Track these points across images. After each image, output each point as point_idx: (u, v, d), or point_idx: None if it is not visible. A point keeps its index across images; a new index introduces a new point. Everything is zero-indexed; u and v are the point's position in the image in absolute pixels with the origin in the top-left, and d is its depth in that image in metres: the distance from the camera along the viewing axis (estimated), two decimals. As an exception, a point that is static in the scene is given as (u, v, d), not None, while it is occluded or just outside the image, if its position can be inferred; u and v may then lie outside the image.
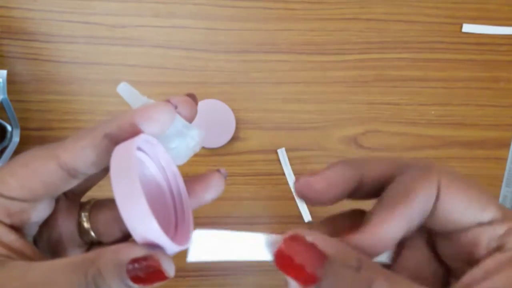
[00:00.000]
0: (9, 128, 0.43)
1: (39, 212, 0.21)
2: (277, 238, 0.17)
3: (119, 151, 0.18)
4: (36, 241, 0.22)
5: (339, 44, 0.48)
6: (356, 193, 0.20)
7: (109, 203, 0.24)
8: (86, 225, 0.23)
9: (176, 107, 0.20)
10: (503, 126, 0.52)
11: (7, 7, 0.44)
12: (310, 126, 0.49)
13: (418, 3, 0.49)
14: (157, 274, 0.17)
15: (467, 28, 0.49)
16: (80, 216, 0.23)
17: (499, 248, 0.18)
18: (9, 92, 0.42)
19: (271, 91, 0.48)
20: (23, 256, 0.19)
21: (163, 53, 0.47)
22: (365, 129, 0.50)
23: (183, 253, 0.18)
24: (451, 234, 0.19)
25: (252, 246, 0.18)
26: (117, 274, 0.16)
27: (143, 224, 0.16)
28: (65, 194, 0.23)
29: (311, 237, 0.17)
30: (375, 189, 0.20)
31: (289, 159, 0.49)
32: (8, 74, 0.42)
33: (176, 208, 0.21)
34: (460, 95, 0.51)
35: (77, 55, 0.46)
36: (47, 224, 0.22)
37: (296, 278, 0.16)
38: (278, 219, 0.50)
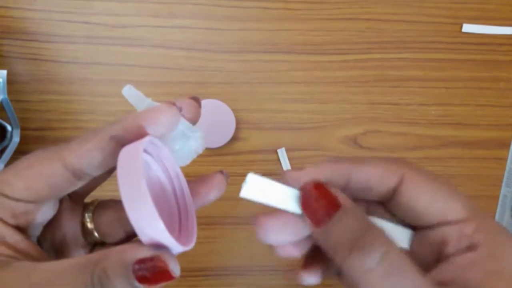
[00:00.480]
0: (9, 128, 0.43)
1: (44, 213, 0.21)
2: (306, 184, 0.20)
3: (126, 153, 0.18)
4: (39, 241, 0.22)
5: (339, 44, 0.48)
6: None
7: (113, 204, 0.24)
8: (89, 225, 0.23)
9: (180, 110, 0.21)
10: (503, 126, 0.52)
11: (7, 7, 0.44)
12: (310, 126, 0.49)
13: (418, 3, 0.49)
14: (164, 274, 0.17)
15: (467, 28, 0.49)
16: (84, 216, 0.23)
17: (470, 248, 0.18)
18: (9, 92, 0.42)
19: (271, 91, 0.48)
20: (28, 256, 0.20)
21: (163, 53, 0.47)
22: (365, 129, 0.50)
23: (183, 254, 0.18)
24: (421, 231, 0.20)
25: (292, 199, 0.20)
26: (123, 274, 0.16)
27: (150, 226, 0.16)
28: (69, 195, 0.23)
29: (331, 188, 0.19)
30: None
31: (289, 159, 0.49)
32: (8, 74, 0.42)
33: (179, 208, 0.22)
34: (460, 95, 0.51)
35: (77, 55, 0.46)
36: (51, 224, 0.22)
37: (312, 217, 0.19)
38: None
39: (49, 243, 0.23)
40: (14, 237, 0.20)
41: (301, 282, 0.21)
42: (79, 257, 0.18)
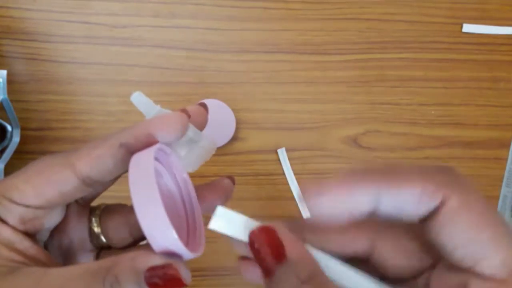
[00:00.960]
0: (9, 128, 0.43)
1: (52, 218, 0.21)
2: (255, 225, 0.18)
3: (137, 161, 0.18)
4: (46, 246, 0.22)
5: (339, 44, 0.48)
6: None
7: (119, 209, 0.24)
8: (96, 230, 0.23)
9: (189, 117, 0.21)
10: (503, 126, 0.52)
11: (6, 7, 0.44)
12: (310, 126, 0.49)
13: (418, 3, 0.49)
14: (176, 281, 0.17)
15: (467, 28, 0.49)
16: (91, 221, 0.23)
17: None
18: (9, 92, 0.42)
19: (271, 91, 0.48)
20: (37, 262, 0.20)
21: (163, 53, 0.47)
22: (365, 129, 0.50)
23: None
24: (441, 264, 0.17)
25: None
26: (135, 281, 0.16)
27: (163, 235, 0.17)
28: (76, 199, 0.23)
29: (282, 234, 0.17)
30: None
31: (289, 159, 0.49)
32: (8, 74, 0.42)
33: (187, 214, 0.22)
34: (460, 95, 0.51)
35: (76, 55, 0.46)
36: (58, 229, 0.22)
37: (259, 265, 0.17)
38: (278, 219, 0.50)
39: (56, 248, 0.23)
40: (24, 243, 0.20)
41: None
42: (90, 263, 0.18)
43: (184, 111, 0.21)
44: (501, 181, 0.53)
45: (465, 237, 0.15)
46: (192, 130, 0.21)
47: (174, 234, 0.17)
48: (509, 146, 0.52)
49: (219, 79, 0.47)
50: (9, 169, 0.42)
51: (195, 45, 0.47)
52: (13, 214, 0.19)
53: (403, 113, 0.50)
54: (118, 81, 0.46)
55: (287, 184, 0.49)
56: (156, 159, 0.21)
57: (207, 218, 0.21)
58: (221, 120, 0.47)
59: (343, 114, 0.50)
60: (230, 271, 0.51)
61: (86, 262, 0.23)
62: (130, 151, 0.19)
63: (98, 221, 0.23)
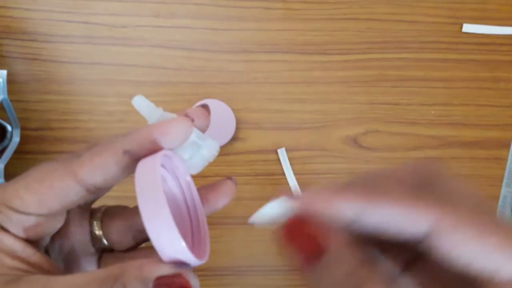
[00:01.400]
0: (9, 128, 0.43)
1: (53, 224, 0.21)
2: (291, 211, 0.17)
3: (144, 170, 0.18)
4: (47, 250, 0.22)
5: (339, 44, 0.48)
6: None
7: (121, 211, 0.24)
8: (98, 233, 0.23)
9: (193, 121, 0.21)
10: (503, 126, 0.52)
11: (7, 7, 0.44)
12: (310, 126, 0.49)
13: (418, 3, 0.49)
14: None
15: (467, 28, 0.49)
16: (92, 224, 0.23)
17: None
18: (9, 92, 0.42)
19: (271, 91, 0.48)
20: (41, 270, 0.19)
21: (163, 53, 0.47)
22: (365, 129, 0.50)
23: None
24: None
25: None
26: None
27: (172, 246, 0.17)
28: None
29: (315, 226, 0.16)
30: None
31: (289, 159, 0.49)
32: (8, 74, 0.42)
33: (191, 217, 0.22)
34: (460, 95, 0.51)
35: (76, 55, 0.46)
36: (59, 233, 0.22)
37: (302, 250, 0.16)
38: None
39: (57, 252, 0.23)
40: (26, 251, 0.19)
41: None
42: (96, 271, 0.18)
43: (187, 115, 0.21)
44: (501, 181, 0.53)
45: (472, 253, 0.15)
46: (195, 133, 0.21)
47: (183, 245, 0.17)
48: (509, 146, 0.52)
49: (219, 79, 0.47)
50: (9, 169, 0.42)
51: (195, 45, 0.47)
52: (14, 222, 0.19)
53: (403, 113, 0.50)
54: (118, 81, 0.46)
55: (287, 184, 0.49)
56: (162, 165, 0.21)
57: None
58: (221, 120, 0.47)
59: (343, 114, 0.50)
60: (230, 271, 0.51)
61: (89, 265, 0.23)
62: (134, 157, 0.19)
63: (100, 224, 0.23)
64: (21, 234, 0.19)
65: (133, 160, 0.19)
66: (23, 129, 0.44)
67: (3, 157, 0.42)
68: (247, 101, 0.48)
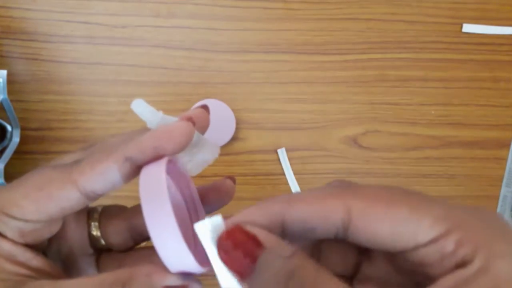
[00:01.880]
0: (9, 128, 0.43)
1: (51, 228, 0.21)
2: (220, 225, 0.17)
3: (149, 179, 0.18)
4: (44, 253, 0.22)
5: (339, 44, 0.48)
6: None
7: (119, 212, 0.23)
8: (96, 234, 0.23)
9: (194, 124, 0.20)
10: (503, 126, 0.52)
11: (7, 7, 0.44)
12: (310, 126, 0.49)
13: (418, 3, 0.49)
14: None
15: (467, 28, 0.49)
16: (90, 226, 0.23)
17: (459, 265, 0.15)
18: (9, 92, 0.42)
19: (271, 91, 0.48)
20: (43, 274, 0.19)
21: (163, 53, 0.47)
22: (365, 129, 0.50)
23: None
24: (400, 254, 0.17)
25: None
26: None
27: (180, 260, 0.17)
28: None
29: (253, 229, 0.16)
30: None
31: (289, 159, 0.49)
32: (8, 74, 0.42)
33: (192, 220, 0.22)
34: (460, 95, 0.51)
35: (76, 55, 0.46)
36: (56, 235, 0.22)
37: (235, 270, 0.16)
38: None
39: (55, 253, 0.22)
40: (25, 255, 0.19)
41: None
42: (103, 275, 0.18)
43: (189, 119, 0.20)
44: (501, 181, 0.53)
45: (388, 226, 0.16)
46: (196, 136, 0.21)
47: (191, 259, 0.17)
48: (509, 146, 0.52)
49: (219, 79, 0.47)
50: (9, 169, 0.42)
51: (195, 45, 0.47)
52: (12, 228, 0.19)
53: (403, 113, 0.50)
54: (118, 81, 0.46)
55: (287, 184, 0.49)
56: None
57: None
58: (221, 120, 0.47)
59: (343, 114, 0.50)
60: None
61: (87, 266, 0.23)
62: (136, 164, 0.19)
63: (98, 225, 0.23)
64: (19, 239, 0.19)
65: (134, 167, 0.19)
66: (23, 129, 0.44)
67: (3, 157, 0.42)
68: (247, 101, 0.48)
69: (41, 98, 0.46)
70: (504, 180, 0.52)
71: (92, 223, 0.23)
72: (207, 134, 0.23)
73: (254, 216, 0.17)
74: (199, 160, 0.21)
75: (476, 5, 0.49)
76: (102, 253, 0.24)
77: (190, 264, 0.17)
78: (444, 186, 0.52)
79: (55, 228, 0.21)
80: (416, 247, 0.16)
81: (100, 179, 0.18)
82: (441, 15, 0.49)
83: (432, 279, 0.16)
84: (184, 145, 0.19)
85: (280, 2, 0.47)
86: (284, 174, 0.49)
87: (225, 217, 0.17)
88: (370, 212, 0.16)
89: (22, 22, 0.45)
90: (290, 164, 0.49)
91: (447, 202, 0.16)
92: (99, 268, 0.23)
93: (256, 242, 0.16)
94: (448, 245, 0.15)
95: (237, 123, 0.48)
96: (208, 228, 0.16)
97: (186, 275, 0.17)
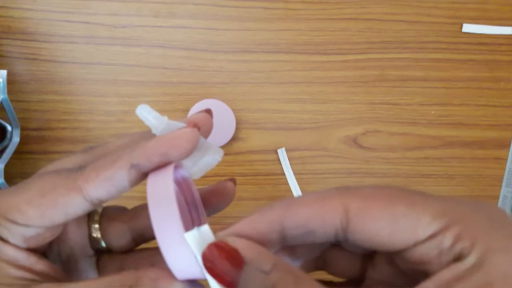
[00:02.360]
0: (9, 128, 0.43)
1: (53, 232, 0.21)
2: (209, 236, 0.17)
3: (156, 186, 0.18)
4: (45, 255, 0.22)
5: (339, 44, 0.48)
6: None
7: (120, 214, 0.23)
8: (97, 236, 0.23)
9: (199, 129, 0.20)
10: (503, 126, 0.52)
11: (7, 7, 0.44)
12: (310, 126, 0.49)
13: (418, 3, 0.49)
14: None
15: (467, 28, 0.49)
16: (90, 228, 0.23)
17: (456, 259, 0.15)
18: (9, 92, 0.42)
19: (271, 91, 0.48)
20: (47, 277, 0.19)
21: (163, 53, 0.47)
22: (365, 129, 0.50)
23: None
24: (399, 253, 0.17)
25: None
26: None
27: (187, 269, 0.17)
28: None
29: (235, 242, 0.17)
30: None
31: (289, 159, 0.49)
32: (8, 74, 0.42)
33: (193, 223, 0.22)
34: (460, 95, 0.51)
35: (76, 55, 0.46)
36: (57, 238, 0.22)
37: (221, 283, 0.16)
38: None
39: (55, 255, 0.22)
40: (29, 259, 0.19)
41: None
42: (108, 278, 0.18)
43: (195, 125, 0.20)
44: (501, 181, 0.53)
45: (386, 224, 0.16)
46: (200, 141, 0.21)
47: (198, 269, 0.17)
48: (509, 146, 0.52)
49: (219, 79, 0.47)
50: (9, 169, 0.42)
51: (195, 45, 0.47)
52: (15, 234, 0.19)
53: (403, 113, 0.50)
54: (118, 81, 0.46)
55: (287, 184, 0.49)
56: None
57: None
58: (221, 120, 0.47)
59: (343, 114, 0.50)
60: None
61: (87, 267, 0.23)
62: (142, 171, 0.19)
63: (98, 227, 0.23)
64: (22, 244, 0.19)
65: (140, 174, 0.19)
66: (23, 129, 0.44)
67: (3, 157, 0.42)
68: (247, 101, 0.48)
69: (41, 98, 0.46)
70: (504, 180, 0.52)
71: (93, 225, 0.23)
72: (213, 140, 0.23)
73: (253, 224, 0.17)
74: (202, 164, 0.21)
75: (476, 5, 0.49)
76: (102, 254, 0.24)
77: (196, 273, 0.17)
78: (444, 186, 0.52)
79: (57, 232, 0.21)
80: (415, 244, 0.16)
81: (106, 186, 0.18)
82: (441, 15, 0.49)
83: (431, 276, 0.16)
84: (190, 152, 0.19)
85: (280, 2, 0.47)
86: (284, 174, 0.49)
87: (226, 227, 0.17)
88: (368, 211, 0.16)
89: (22, 22, 0.45)
90: (290, 164, 0.49)
91: (446, 197, 0.16)
92: (100, 269, 0.23)
93: (237, 257, 0.16)
94: (446, 240, 0.15)
95: (237, 123, 0.48)
96: (197, 240, 0.17)
97: (191, 282, 0.17)
